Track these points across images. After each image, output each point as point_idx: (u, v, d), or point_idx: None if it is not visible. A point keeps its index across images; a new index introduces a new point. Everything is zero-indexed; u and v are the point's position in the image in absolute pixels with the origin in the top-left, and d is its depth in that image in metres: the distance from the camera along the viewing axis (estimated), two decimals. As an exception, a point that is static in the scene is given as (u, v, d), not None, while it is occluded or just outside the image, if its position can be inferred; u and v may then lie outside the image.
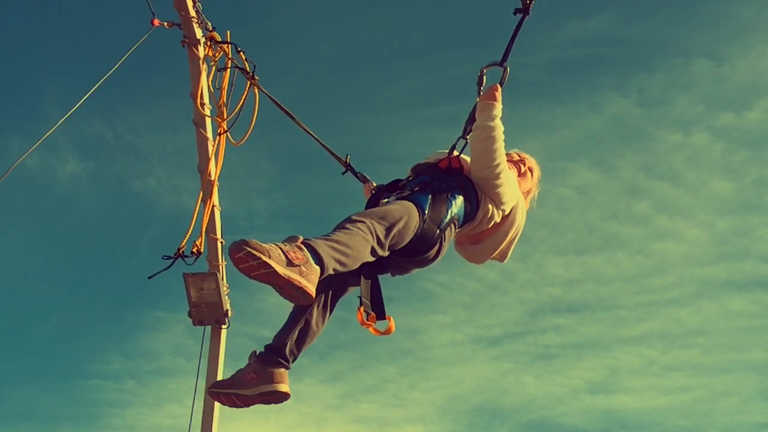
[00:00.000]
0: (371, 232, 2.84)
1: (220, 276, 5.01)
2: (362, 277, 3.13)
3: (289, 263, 2.50)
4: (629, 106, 15.12)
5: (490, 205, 3.45)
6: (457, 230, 3.34)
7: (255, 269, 2.45)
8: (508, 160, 3.54)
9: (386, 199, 3.37)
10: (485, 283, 15.16)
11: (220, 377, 5.01)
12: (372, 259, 2.90)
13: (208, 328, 5.15)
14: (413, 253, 3.18)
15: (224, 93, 4.82)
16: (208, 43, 4.86)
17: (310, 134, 4.57)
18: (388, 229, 2.92)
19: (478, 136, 3.40)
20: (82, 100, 4.44)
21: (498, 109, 3.43)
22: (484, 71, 3.53)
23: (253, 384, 3.17)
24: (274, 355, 3.23)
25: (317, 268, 2.59)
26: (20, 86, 13.05)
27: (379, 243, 2.88)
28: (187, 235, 4.78)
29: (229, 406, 3.23)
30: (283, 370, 3.22)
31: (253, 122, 4.72)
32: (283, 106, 4.64)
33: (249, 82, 4.71)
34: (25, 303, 13.43)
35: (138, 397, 13.01)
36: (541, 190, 3.86)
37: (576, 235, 15.64)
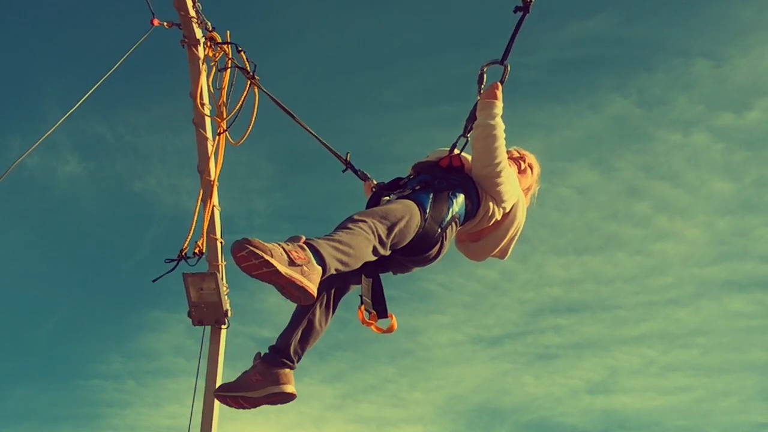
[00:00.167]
0: (373, 232, 2.84)
1: (219, 276, 5.01)
2: (363, 275, 3.14)
3: (291, 263, 2.50)
4: (629, 106, 15.14)
5: (491, 203, 3.45)
6: (458, 228, 3.34)
7: (257, 268, 2.45)
8: (508, 158, 3.54)
9: (387, 197, 3.37)
10: (485, 284, 15.17)
11: (219, 377, 5.02)
12: (374, 258, 2.90)
13: (208, 328, 5.15)
14: (415, 252, 3.19)
15: (224, 93, 4.82)
16: (208, 43, 4.86)
17: (311, 133, 4.56)
18: (390, 229, 2.92)
19: (479, 135, 3.40)
20: (82, 99, 4.44)
21: (499, 107, 3.43)
22: (485, 69, 3.53)
23: (260, 386, 3.19)
24: (278, 356, 3.24)
25: (319, 268, 2.59)
26: (20, 86, 13.06)
27: (381, 242, 2.88)
28: (189, 236, 4.78)
29: (236, 408, 3.24)
30: (288, 370, 3.24)
31: (253, 122, 4.72)
32: (283, 105, 4.63)
33: (249, 82, 4.71)
34: (25, 303, 13.44)
35: (138, 397, 13.02)
36: (541, 186, 3.87)
37: (576, 235, 15.65)
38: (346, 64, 14.30)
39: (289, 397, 3.23)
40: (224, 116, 4.84)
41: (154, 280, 4.66)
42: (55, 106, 12.35)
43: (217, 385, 4.88)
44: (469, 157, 3.52)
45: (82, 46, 13.09)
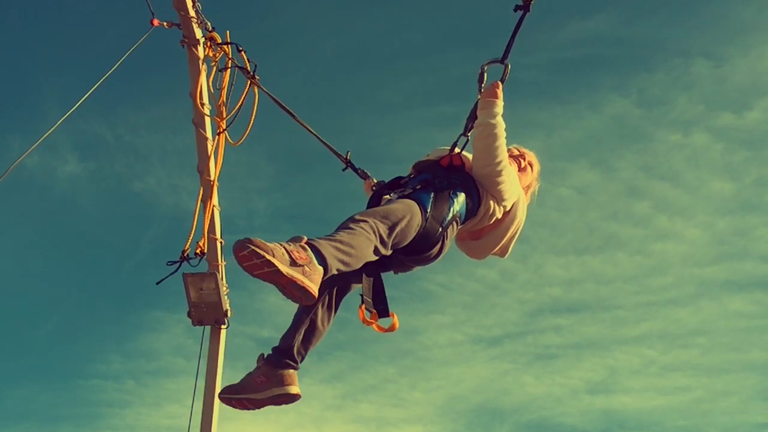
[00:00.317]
0: (374, 232, 2.85)
1: (219, 276, 5.00)
2: (364, 274, 3.14)
3: (293, 263, 2.50)
4: (629, 107, 15.14)
5: (491, 202, 3.45)
6: (459, 227, 3.34)
7: (258, 268, 2.45)
8: (508, 156, 3.54)
9: (388, 195, 3.38)
10: (485, 284, 15.16)
11: (219, 377, 5.01)
12: (375, 258, 2.90)
13: (208, 328, 5.14)
14: (416, 252, 3.19)
15: (224, 93, 4.82)
16: (208, 43, 4.85)
17: (311, 132, 4.56)
18: (391, 228, 2.92)
19: (480, 134, 3.40)
20: (82, 99, 4.43)
21: (499, 106, 3.43)
22: (485, 68, 3.53)
23: (264, 387, 3.21)
24: (282, 357, 3.25)
25: (321, 268, 2.60)
26: (20, 86, 13.05)
27: (382, 242, 2.88)
28: (190, 237, 4.78)
29: (240, 409, 3.26)
30: (292, 371, 3.25)
31: (252, 121, 4.71)
32: (284, 105, 4.63)
33: (249, 82, 4.70)
34: (25, 303, 13.43)
35: (138, 397, 13.02)
36: (541, 184, 3.87)
37: (576, 235, 15.64)
38: (346, 64, 14.31)
39: (293, 398, 3.25)
40: (224, 116, 4.84)
41: (158, 283, 4.68)
42: (55, 106, 12.35)
43: (217, 386, 4.94)
44: (470, 156, 3.52)
45: (82, 46, 13.09)
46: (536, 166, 3.84)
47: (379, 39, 14.61)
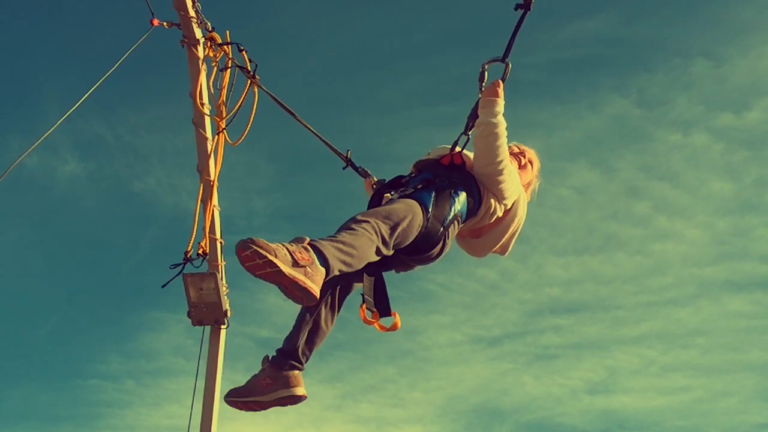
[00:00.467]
0: (376, 232, 2.85)
1: (219, 276, 5.00)
2: (365, 274, 3.14)
3: (295, 263, 2.51)
4: (629, 107, 15.13)
5: (492, 200, 3.45)
6: (460, 226, 3.34)
7: (260, 268, 2.46)
8: (508, 154, 3.54)
9: (389, 193, 3.38)
10: (484, 284, 15.15)
11: (219, 377, 5.01)
12: (377, 258, 2.90)
13: (208, 328, 5.13)
14: (418, 251, 3.19)
15: (224, 92, 4.82)
16: (209, 43, 4.85)
17: (311, 130, 4.56)
18: (393, 229, 2.92)
19: (481, 133, 3.40)
20: (82, 100, 4.42)
21: (500, 105, 3.43)
22: (486, 67, 3.52)
23: (270, 389, 3.23)
24: (286, 359, 3.27)
25: (323, 269, 2.60)
26: (20, 86, 13.05)
27: (384, 242, 2.89)
28: (192, 238, 4.78)
29: (246, 411, 3.27)
30: (297, 372, 3.27)
31: (251, 121, 4.70)
32: (283, 103, 4.63)
33: (249, 82, 4.70)
34: (25, 303, 13.42)
35: (137, 398, 13.01)
36: (541, 182, 3.87)
37: (575, 235, 15.63)
38: (346, 64, 14.30)
39: (299, 399, 3.28)
40: (223, 116, 4.84)
41: (163, 286, 4.68)
42: (55, 106, 12.34)
43: (217, 386, 4.94)
44: (471, 155, 3.52)
45: (81, 46, 13.09)
46: (536, 164, 3.85)
47: (379, 39, 14.61)
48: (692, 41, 14.82)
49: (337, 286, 3.31)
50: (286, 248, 2.52)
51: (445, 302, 14.90)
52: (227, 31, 4.86)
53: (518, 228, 3.66)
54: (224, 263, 5.15)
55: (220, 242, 5.11)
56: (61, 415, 12.62)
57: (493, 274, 14.88)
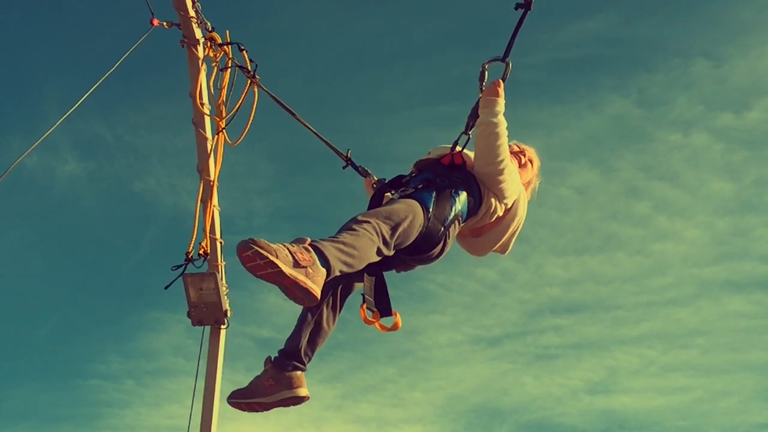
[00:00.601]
0: (377, 233, 2.85)
1: (219, 276, 5.00)
2: (366, 273, 3.14)
3: (296, 264, 2.51)
4: (629, 107, 15.12)
5: (493, 200, 3.46)
6: (460, 226, 3.34)
7: (262, 268, 2.46)
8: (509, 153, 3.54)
9: (389, 193, 3.38)
10: (484, 284, 15.15)
11: (219, 377, 5.02)
12: (378, 259, 2.91)
13: (208, 328, 5.14)
14: (418, 251, 3.19)
15: (224, 92, 4.82)
16: (209, 43, 4.85)
17: (311, 130, 4.56)
18: (394, 229, 2.93)
19: (482, 133, 3.40)
20: (81, 99, 4.42)
21: (501, 104, 3.43)
22: (486, 67, 3.52)
23: (273, 391, 3.24)
24: (289, 360, 3.27)
25: (323, 270, 2.60)
26: (20, 86, 13.04)
27: (385, 243, 2.89)
28: (193, 239, 4.78)
29: (248, 412, 3.28)
30: (299, 373, 3.28)
31: (250, 121, 4.70)
32: (283, 103, 4.63)
33: (249, 81, 4.70)
34: (25, 303, 13.41)
35: (137, 398, 13.00)
36: (541, 180, 3.87)
37: (575, 235, 15.63)
38: (346, 64, 14.30)
39: (302, 400, 3.29)
40: (223, 115, 4.84)
41: (166, 287, 4.70)
42: (55, 106, 12.34)
43: (217, 386, 4.94)
44: (471, 154, 3.52)
45: (81, 46, 13.09)
46: (536, 162, 3.85)
47: (379, 39, 14.61)
48: (692, 41, 14.83)
49: (339, 286, 3.32)
50: (288, 249, 2.52)
51: (445, 302, 14.90)
52: (227, 31, 4.86)
53: (518, 227, 3.66)
54: (224, 263, 5.15)
55: (220, 242, 5.11)
56: (61, 415, 12.63)
57: (493, 274, 14.89)
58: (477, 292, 15.16)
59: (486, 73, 3.52)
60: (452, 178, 3.37)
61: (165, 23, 4.79)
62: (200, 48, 4.86)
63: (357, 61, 14.30)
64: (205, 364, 5.06)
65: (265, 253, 2.44)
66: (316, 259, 2.59)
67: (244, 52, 4.77)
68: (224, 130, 4.84)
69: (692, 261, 15.48)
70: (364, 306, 3.14)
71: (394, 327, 3.13)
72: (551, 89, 14.72)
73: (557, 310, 15.21)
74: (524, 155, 3.81)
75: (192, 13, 4.78)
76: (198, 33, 4.85)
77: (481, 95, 3.48)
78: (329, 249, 2.65)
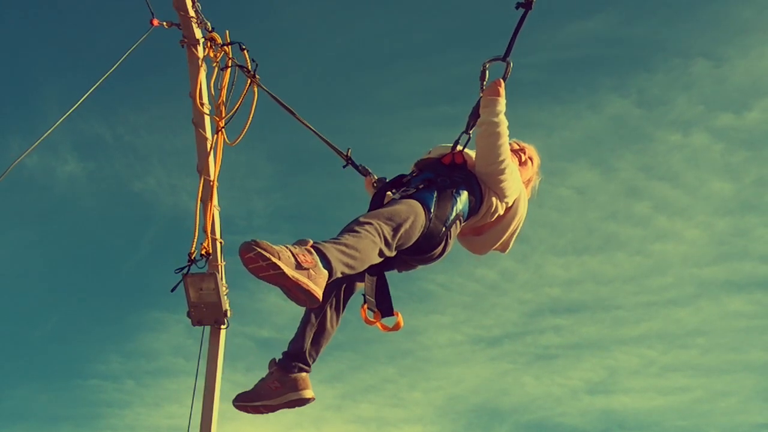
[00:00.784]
0: (379, 234, 2.85)
1: (219, 276, 5.00)
2: (367, 274, 3.14)
3: (298, 266, 2.51)
4: (629, 107, 15.12)
5: (494, 199, 3.46)
6: (461, 225, 3.35)
7: (264, 270, 2.46)
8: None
9: (391, 192, 3.38)
10: (484, 284, 15.15)
11: (219, 377, 5.01)
12: (380, 260, 2.91)
13: (207, 328, 5.14)
14: (420, 252, 3.19)
15: (224, 92, 4.81)
16: (209, 43, 4.85)
17: (310, 129, 4.55)
18: (395, 230, 2.93)
19: (483, 132, 3.40)
20: (81, 99, 4.42)
21: (502, 104, 3.43)
22: (487, 66, 3.51)
23: (279, 393, 3.25)
24: (293, 361, 3.29)
25: (325, 272, 2.60)
26: (19, 86, 13.04)
27: (387, 244, 2.89)
28: (195, 240, 4.79)
29: (254, 414, 3.29)
30: (304, 374, 3.30)
31: (250, 121, 4.70)
32: (283, 102, 4.63)
33: (249, 81, 4.70)
34: (25, 303, 13.41)
35: (137, 398, 13.00)
36: (542, 178, 3.87)
37: (575, 235, 15.63)
38: (346, 64, 14.30)
39: (308, 401, 3.30)
40: (223, 115, 4.83)
41: (172, 290, 4.71)
42: (55, 106, 12.33)
43: (217, 386, 4.94)
44: (472, 154, 3.52)
45: (81, 46, 13.09)
46: (536, 160, 3.85)
47: (379, 39, 14.60)
48: (692, 41, 14.83)
49: (341, 287, 3.32)
50: (290, 250, 2.52)
51: (445, 302, 14.90)
52: (227, 31, 4.86)
53: (519, 225, 3.67)
54: (224, 263, 5.15)
55: (220, 242, 5.11)
56: (61, 415, 12.63)
57: (493, 274, 14.88)
58: (477, 292, 15.17)
59: (487, 72, 3.51)
60: (453, 178, 3.37)
61: (165, 23, 4.79)
62: (200, 48, 4.86)
63: (357, 61, 14.31)
64: (205, 364, 5.06)
65: (267, 254, 2.44)
66: (318, 260, 2.59)
67: (245, 51, 4.77)
68: (223, 130, 4.84)
69: (692, 261, 15.49)
70: (365, 306, 3.14)
71: (396, 327, 3.13)
72: (551, 89, 14.73)
73: (557, 310, 15.22)
74: (524, 153, 3.81)
75: (192, 13, 4.78)
76: (198, 33, 4.85)
77: (482, 94, 3.48)
78: (331, 251, 2.65)
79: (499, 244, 3.66)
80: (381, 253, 2.88)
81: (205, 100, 4.93)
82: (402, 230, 2.95)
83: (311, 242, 2.64)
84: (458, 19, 13.62)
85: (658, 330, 15.20)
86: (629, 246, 15.58)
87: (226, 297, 5.09)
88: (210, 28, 4.85)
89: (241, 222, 11.24)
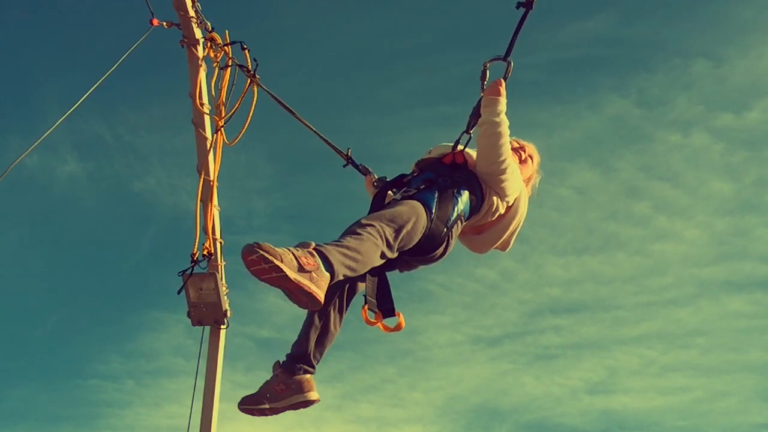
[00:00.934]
0: (381, 236, 2.85)
1: (219, 276, 5.00)
2: (368, 274, 3.14)
3: (301, 269, 2.51)
4: (629, 107, 15.12)
5: (495, 198, 3.46)
6: (462, 225, 3.34)
7: (266, 272, 2.46)
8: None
9: (392, 191, 3.37)
10: (484, 284, 15.15)
11: (219, 377, 5.01)
12: (381, 262, 2.91)
13: (207, 328, 5.13)
14: (422, 252, 3.19)
15: (224, 92, 4.81)
16: (209, 44, 4.85)
17: (310, 128, 4.54)
18: (397, 232, 2.93)
19: (484, 132, 3.39)
20: (81, 99, 4.42)
21: (503, 104, 3.43)
22: (488, 65, 3.51)
23: (284, 396, 3.27)
24: (298, 363, 3.30)
25: (327, 275, 2.60)
26: (19, 86, 13.04)
27: (389, 246, 2.89)
28: (196, 241, 4.79)
29: (259, 416, 3.29)
30: (309, 376, 3.32)
31: (249, 120, 4.69)
32: (283, 102, 4.62)
33: (249, 81, 4.69)
34: (25, 303, 13.41)
35: (137, 398, 13.00)
36: (542, 176, 3.87)
37: (575, 235, 15.63)
38: (346, 64, 14.30)
39: (313, 403, 3.32)
40: (222, 115, 4.83)
41: (178, 292, 4.71)
42: (55, 106, 12.34)
43: (217, 386, 4.94)
44: (473, 153, 3.52)
45: (81, 46, 13.09)
46: (536, 158, 3.85)
47: (379, 39, 14.61)
48: (692, 41, 14.83)
49: (344, 288, 3.32)
50: (292, 253, 2.52)
51: (445, 302, 14.91)
52: (227, 31, 4.85)
53: (519, 224, 3.67)
54: (224, 263, 5.15)
55: (220, 242, 5.11)
56: (61, 415, 12.63)
57: (493, 274, 14.89)
58: (477, 292, 15.18)
59: (487, 72, 3.51)
60: (454, 178, 3.36)
61: (165, 23, 4.78)
62: (200, 48, 4.86)
63: (357, 61, 14.31)
64: (205, 364, 5.05)
65: (270, 257, 2.44)
66: (321, 263, 2.59)
67: (247, 51, 4.76)
68: (222, 129, 4.83)
69: (692, 261, 15.49)
70: (366, 307, 3.14)
71: (398, 327, 3.13)
72: (551, 89, 14.73)
73: (557, 310, 15.22)
74: (524, 151, 3.81)
75: (192, 13, 4.78)
76: (198, 33, 4.85)
77: (482, 94, 3.48)
78: (333, 253, 2.65)
79: (499, 242, 3.67)
80: (383, 255, 2.88)
81: (205, 100, 4.92)
82: (404, 232, 2.95)
83: (313, 245, 2.64)
84: (458, 19, 13.63)
85: (658, 330, 15.21)
86: (629, 246, 15.59)
87: (226, 297, 5.09)
88: (210, 28, 4.84)
89: (241, 222, 11.25)
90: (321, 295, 2.55)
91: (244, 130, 4.72)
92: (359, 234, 2.80)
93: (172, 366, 12.39)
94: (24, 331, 13.26)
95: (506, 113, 3.43)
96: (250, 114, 4.67)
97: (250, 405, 3.26)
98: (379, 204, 3.38)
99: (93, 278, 13.39)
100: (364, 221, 2.89)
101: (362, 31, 14.47)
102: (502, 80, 3.47)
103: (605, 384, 14.65)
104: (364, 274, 3.06)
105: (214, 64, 4.84)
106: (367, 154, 4.30)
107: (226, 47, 4.81)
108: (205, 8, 4.83)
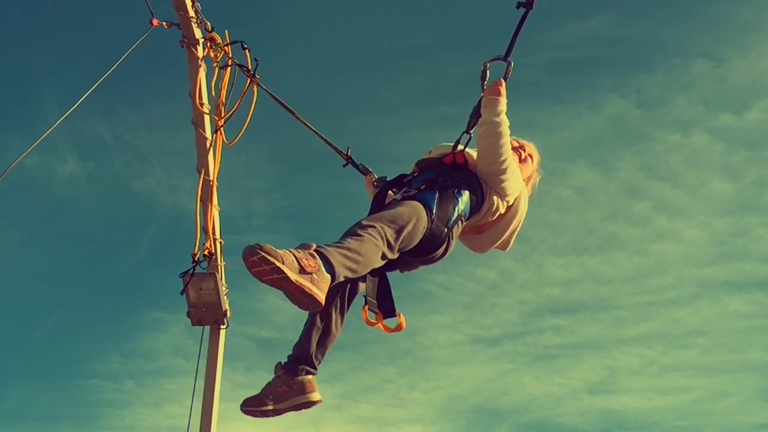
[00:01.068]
0: (381, 237, 2.85)
1: (218, 276, 5.00)
2: (369, 275, 3.13)
3: (302, 270, 2.51)
4: (628, 107, 15.12)
5: (495, 198, 3.46)
6: (463, 225, 3.34)
7: (267, 274, 2.46)
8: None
9: (392, 191, 3.37)
10: (484, 284, 15.15)
11: (219, 377, 5.01)
12: (382, 263, 2.91)
13: (207, 328, 5.13)
14: (422, 253, 3.19)
15: (224, 92, 4.81)
16: (209, 43, 4.85)
17: (310, 128, 4.54)
18: (398, 233, 2.93)
19: (485, 132, 3.39)
20: (81, 99, 4.42)
21: (503, 104, 3.42)
22: (488, 65, 3.51)
23: (287, 396, 3.29)
24: (300, 364, 3.31)
25: (328, 276, 2.60)
26: (19, 86, 13.04)
27: (390, 247, 2.89)
28: (197, 241, 4.79)
29: (261, 418, 3.30)
30: (311, 377, 3.33)
31: (248, 120, 4.69)
32: (283, 102, 4.62)
33: (249, 80, 4.69)
34: (25, 303, 13.42)
35: (137, 398, 13.00)
36: (542, 175, 3.87)
37: (575, 235, 15.63)
38: (346, 64, 14.30)
39: (315, 404, 3.33)
40: (222, 115, 4.83)
41: (181, 293, 4.73)
42: (54, 106, 12.34)
43: (217, 386, 4.94)
44: (473, 153, 3.52)
45: (81, 46, 13.08)
46: (536, 157, 3.85)
47: (379, 39, 14.61)
48: (692, 41, 14.83)
49: (345, 289, 3.33)
50: (293, 255, 2.52)
51: (445, 302, 14.91)
52: (227, 31, 4.85)
53: (519, 223, 3.67)
54: (224, 263, 5.15)
55: (220, 242, 5.11)
56: (61, 415, 12.63)
57: (492, 274, 14.89)
58: (477, 292, 15.18)
59: (487, 72, 3.51)
60: (454, 178, 3.36)
61: (165, 23, 4.78)
62: (200, 48, 4.86)
63: (357, 61, 14.32)
64: (204, 364, 5.05)
65: (271, 258, 2.43)
66: (322, 265, 2.59)
67: (247, 50, 4.76)
68: (222, 129, 4.83)
69: (692, 261, 15.50)
70: (366, 307, 3.14)
71: (398, 327, 3.12)
72: (551, 89, 14.73)
73: (557, 310, 15.22)
74: (524, 150, 3.81)
75: (192, 13, 4.78)
76: (198, 33, 4.85)
77: (482, 94, 3.47)
78: (334, 255, 2.65)
79: (499, 242, 3.67)
80: (384, 256, 2.88)
81: (205, 99, 4.92)
82: (404, 233, 2.95)
83: (314, 246, 2.64)
84: (458, 19, 13.63)
85: (658, 330, 15.22)
86: (629, 246, 15.60)
87: (225, 297, 5.09)
88: (210, 28, 4.84)
89: (241, 222, 11.25)
90: (322, 297, 2.55)
91: (244, 129, 4.72)
92: (360, 235, 2.80)
93: (172, 366, 12.39)
94: (24, 331, 13.27)
95: (506, 113, 3.43)
96: (250, 114, 4.67)
97: (253, 407, 3.27)
98: (379, 204, 3.38)
99: (93, 278, 13.40)
100: (364, 222, 2.88)
101: (362, 31, 14.48)
102: (503, 80, 3.47)
103: (605, 384, 14.66)
104: (365, 274, 3.07)
105: (214, 64, 4.83)
106: (367, 154, 4.30)
107: (226, 47, 4.81)
108: (205, 8, 4.83)
